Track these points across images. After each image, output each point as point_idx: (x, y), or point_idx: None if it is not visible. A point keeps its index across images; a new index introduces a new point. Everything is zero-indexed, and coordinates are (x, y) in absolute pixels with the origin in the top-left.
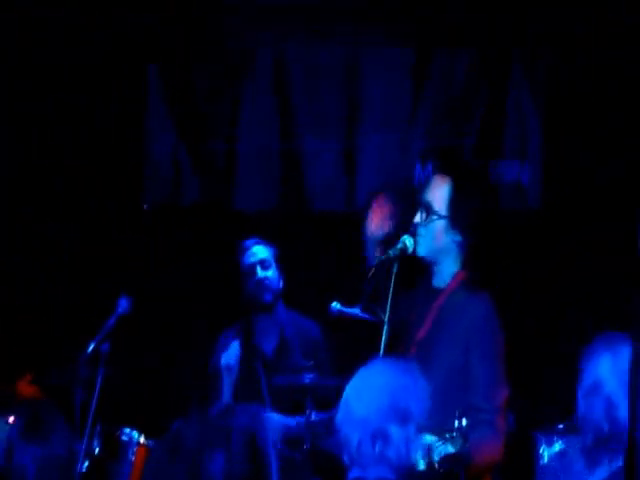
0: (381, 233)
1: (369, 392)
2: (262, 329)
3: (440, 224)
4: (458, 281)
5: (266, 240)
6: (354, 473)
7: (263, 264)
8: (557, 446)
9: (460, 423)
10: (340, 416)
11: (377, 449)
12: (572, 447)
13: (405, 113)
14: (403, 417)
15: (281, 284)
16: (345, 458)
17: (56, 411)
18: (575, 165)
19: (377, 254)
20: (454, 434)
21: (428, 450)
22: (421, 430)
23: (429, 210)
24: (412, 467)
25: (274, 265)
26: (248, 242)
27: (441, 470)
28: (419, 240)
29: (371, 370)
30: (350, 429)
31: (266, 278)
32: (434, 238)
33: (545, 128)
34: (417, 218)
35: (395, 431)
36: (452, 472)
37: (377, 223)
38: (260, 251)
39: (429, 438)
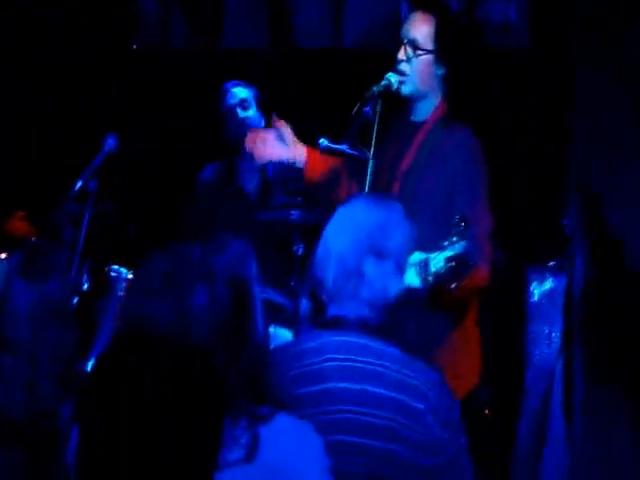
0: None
1: (346, 228)
2: (245, 170)
3: (425, 59)
4: (439, 113)
5: (247, 82)
6: (332, 311)
7: (243, 104)
8: (548, 284)
9: (460, 227)
10: (318, 252)
11: (351, 286)
12: (563, 284)
13: None
14: (379, 253)
15: (262, 124)
16: (323, 295)
17: (57, 253)
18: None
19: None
20: (454, 238)
21: (424, 264)
22: (402, 264)
23: (415, 46)
24: (388, 302)
25: (254, 105)
26: (228, 84)
27: (439, 280)
28: (404, 77)
29: (351, 207)
30: (326, 265)
31: (247, 118)
32: (419, 73)
33: None
34: (401, 54)
35: (370, 268)
36: (450, 280)
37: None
38: (240, 92)
39: (419, 255)
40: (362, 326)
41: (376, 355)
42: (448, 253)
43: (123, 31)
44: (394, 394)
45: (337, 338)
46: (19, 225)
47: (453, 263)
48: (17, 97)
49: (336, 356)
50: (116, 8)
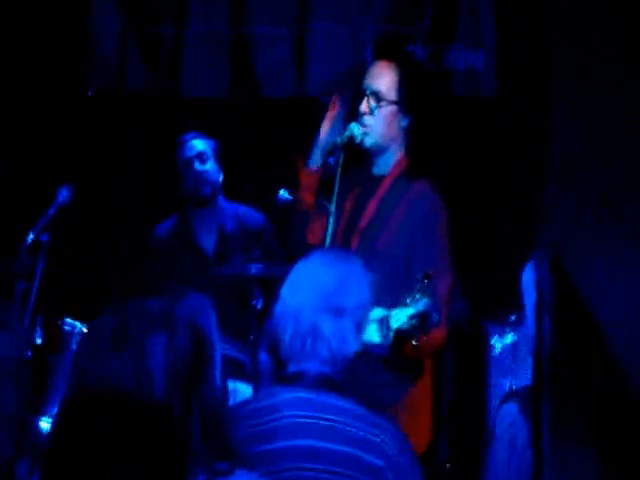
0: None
1: (302, 286)
2: (201, 225)
3: (389, 110)
4: (401, 167)
5: (206, 132)
6: (291, 368)
7: (201, 157)
8: (509, 337)
9: (423, 283)
10: (275, 310)
11: (307, 345)
12: (524, 338)
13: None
14: (336, 310)
15: (220, 177)
16: (281, 353)
17: (5, 308)
18: (530, 53)
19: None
20: (416, 295)
21: (385, 321)
22: (360, 319)
23: (378, 97)
24: (347, 359)
25: (212, 159)
26: (186, 136)
27: (400, 336)
28: (367, 130)
29: (308, 263)
30: (283, 324)
31: (204, 172)
32: (383, 125)
33: (499, 14)
34: (363, 107)
35: (327, 326)
36: (410, 337)
37: (328, 128)
38: (198, 144)
39: (380, 312)
40: (322, 382)
41: (336, 412)
42: (410, 310)
43: (78, 76)
44: (354, 450)
45: (296, 394)
46: None
47: (415, 321)
48: None
49: (294, 413)
50: (71, 52)
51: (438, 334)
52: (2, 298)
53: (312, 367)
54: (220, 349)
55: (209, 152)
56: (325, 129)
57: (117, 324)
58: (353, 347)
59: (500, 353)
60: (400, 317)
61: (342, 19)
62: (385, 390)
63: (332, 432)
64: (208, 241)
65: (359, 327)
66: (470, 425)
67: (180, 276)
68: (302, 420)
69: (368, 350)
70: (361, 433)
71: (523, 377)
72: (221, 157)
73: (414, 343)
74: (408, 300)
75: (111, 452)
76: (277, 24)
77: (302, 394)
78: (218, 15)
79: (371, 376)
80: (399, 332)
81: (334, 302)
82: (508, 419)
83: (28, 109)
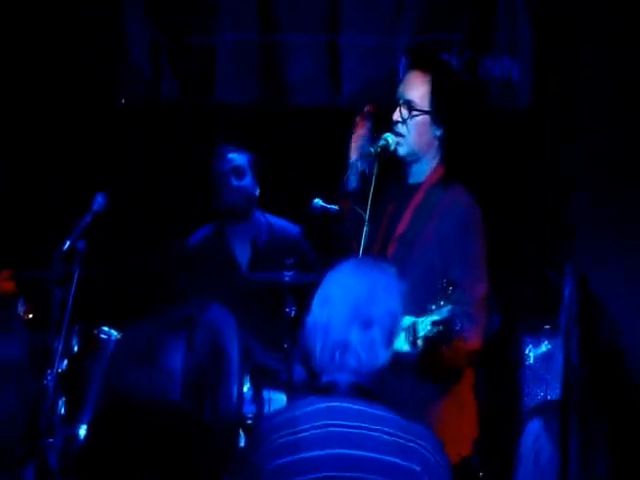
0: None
1: (331, 298)
2: (236, 238)
3: (422, 120)
4: (436, 176)
5: (242, 147)
6: (324, 378)
7: (237, 172)
8: (543, 347)
9: (447, 291)
10: (306, 323)
11: (336, 358)
12: (558, 348)
13: (391, 8)
14: (365, 322)
15: (257, 192)
16: (313, 365)
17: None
18: (567, 64)
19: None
20: (441, 302)
21: (412, 329)
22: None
23: (410, 107)
24: (377, 369)
25: (249, 173)
26: (222, 149)
27: (427, 345)
28: (400, 139)
29: (336, 274)
30: (313, 337)
31: (240, 187)
32: (416, 135)
33: (537, 24)
34: (396, 115)
35: (356, 337)
36: (438, 344)
37: (356, 150)
38: (235, 158)
39: (410, 319)
40: (355, 391)
41: (372, 420)
42: (434, 317)
43: (111, 86)
44: (391, 458)
45: (329, 404)
46: (5, 285)
47: (440, 327)
48: (5, 157)
49: (328, 422)
50: (104, 62)
51: (469, 339)
52: (39, 304)
53: (343, 378)
54: (238, 364)
55: (245, 166)
56: (354, 151)
57: (144, 334)
58: (383, 358)
59: (534, 362)
60: (426, 324)
61: (373, 28)
62: (418, 399)
63: (370, 440)
64: (242, 254)
65: (389, 337)
66: (504, 435)
67: (213, 286)
68: (336, 429)
69: (399, 358)
70: (398, 439)
71: (556, 387)
72: (258, 171)
73: (442, 350)
74: (433, 307)
75: (140, 458)
76: (308, 32)
77: (336, 403)
78: (247, 23)
79: (404, 385)
80: (426, 340)
81: (363, 313)
82: (532, 435)
83: (63, 118)
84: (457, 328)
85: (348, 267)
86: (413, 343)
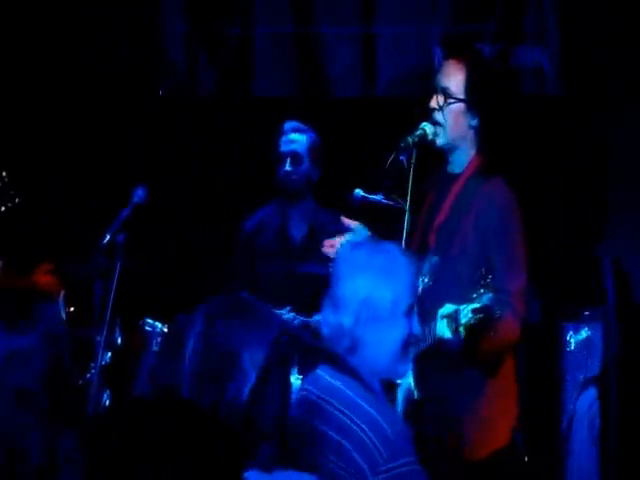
0: None
1: (343, 301)
2: (294, 214)
3: (458, 108)
4: (474, 166)
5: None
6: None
7: (295, 157)
8: (583, 333)
9: (486, 280)
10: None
11: (345, 346)
12: (598, 334)
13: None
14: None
15: (314, 175)
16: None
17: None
18: (594, 52)
19: None
20: (481, 290)
21: (454, 317)
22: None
23: (446, 95)
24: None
25: (307, 157)
26: (287, 125)
27: (468, 332)
28: (437, 128)
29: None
30: (328, 334)
31: (294, 171)
32: (453, 123)
33: (563, 13)
34: (433, 103)
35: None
36: (480, 331)
37: None
38: (295, 140)
39: (451, 307)
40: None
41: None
42: (475, 305)
43: (149, 78)
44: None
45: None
46: (46, 279)
47: (481, 315)
48: (45, 149)
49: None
50: (141, 55)
51: (509, 327)
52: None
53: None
54: (251, 364)
55: (304, 153)
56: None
57: (196, 330)
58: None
59: (575, 348)
60: (467, 312)
61: (408, 19)
62: (461, 386)
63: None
64: (298, 231)
65: (398, 317)
66: (546, 421)
67: (266, 265)
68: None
69: (442, 346)
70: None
71: (596, 372)
72: (319, 153)
73: (484, 337)
74: (474, 295)
75: (164, 451)
76: (343, 24)
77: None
78: (283, 15)
79: (447, 372)
80: (468, 327)
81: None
82: (587, 402)
83: (102, 111)
84: (497, 316)
85: (361, 250)
86: (455, 331)
